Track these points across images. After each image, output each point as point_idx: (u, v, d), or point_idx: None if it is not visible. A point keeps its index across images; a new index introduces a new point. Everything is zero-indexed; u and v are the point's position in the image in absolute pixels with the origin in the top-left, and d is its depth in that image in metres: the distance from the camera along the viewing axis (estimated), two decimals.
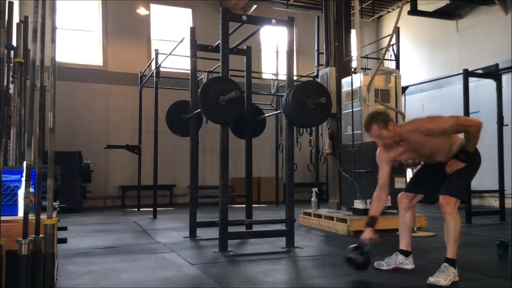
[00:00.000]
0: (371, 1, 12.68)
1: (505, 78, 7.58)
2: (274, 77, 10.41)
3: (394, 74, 6.34)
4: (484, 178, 8.99)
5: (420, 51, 12.27)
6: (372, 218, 3.45)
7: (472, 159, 3.30)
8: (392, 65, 7.67)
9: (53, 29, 2.75)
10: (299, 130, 8.70)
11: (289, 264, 4.00)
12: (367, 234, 3.37)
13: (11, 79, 4.14)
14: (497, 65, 7.78)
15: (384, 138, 3.29)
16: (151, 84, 8.26)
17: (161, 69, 7.87)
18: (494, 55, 9.56)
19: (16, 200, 3.02)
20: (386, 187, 3.49)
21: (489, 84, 7.46)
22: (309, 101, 4.43)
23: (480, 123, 3.15)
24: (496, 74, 7.23)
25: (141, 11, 10.99)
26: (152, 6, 11.56)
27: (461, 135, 3.33)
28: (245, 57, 5.69)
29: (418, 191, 3.60)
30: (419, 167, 3.77)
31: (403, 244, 3.56)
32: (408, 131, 3.26)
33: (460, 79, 7.08)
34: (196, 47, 5.65)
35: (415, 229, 5.45)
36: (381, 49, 9.38)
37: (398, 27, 6.76)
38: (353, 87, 6.19)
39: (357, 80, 6.18)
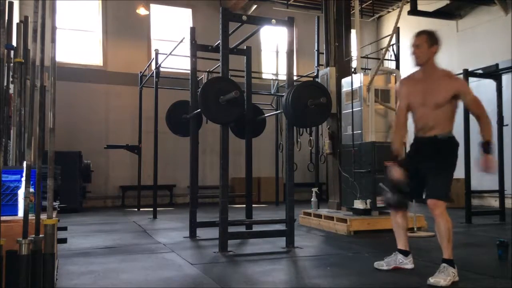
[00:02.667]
0: (371, 1, 12.67)
1: (505, 78, 7.57)
2: (274, 77, 10.41)
3: (394, 74, 6.34)
4: (484, 178, 9.01)
5: None
6: (397, 156, 3.47)
7: (449, 151, 3.32)
8: (392, 65, 7.67)
9: (53, 29, 2.75)
10: (299, 130, 8.70)
11: (289, 264, 4.00)
12: (397, 172, 3.37)
13: (11, 79, 4.14)
14: (497, 65, 7.77)
15: (420, 51, 3.35)
16: (151, 84, 8.26)
17: (161, 69, 7.87)
18: (494, 55, 9.55)
19: (16, 200, 3.02)
20: (404, 127, 3.51)
21: (489, 84, 7.46)
22: (309, 101, 4.43)
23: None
24: (496, 74, 7.23)
25: (141, 11, 10.98)
26: (152, 6, 11.55)
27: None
28: (245, 57, 5.69)
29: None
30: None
31: (401, 244, 3.57)
32: (440, 69, 3.39)
33: None
34: (196, 47, 5.65)
35: (415, 229, 5.46)
36: (381, 49, 9.37)
37: (398, 27, 6.76)
38: (353, 87, 6.19)
39: (357, 80, 6.18)
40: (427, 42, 3.35)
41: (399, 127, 3.55)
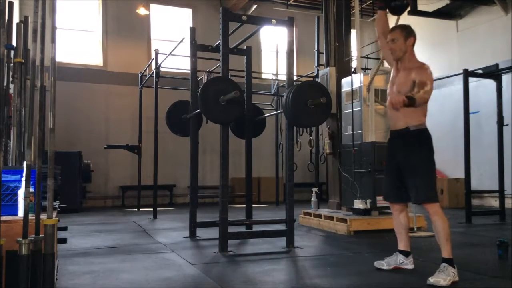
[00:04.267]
0: (371, 1, 12.67)
1: (505, 78, 7.57)
2: (274, 77, 10.42)
3: None
4: (484, 178, 9.03)
5: (420, 51, 12.04)
6: None
7: (420, 144, 3.31)
8: None
9: (53, 29, 2.75)
10: (299, 130, 8.70)
11: (289, 264, 4.00)
12: None
13: (11, 79, 4.14)
14: (497, 65, 7.77)
15: (397, 45, 3.45)
16: (151, 84, 8.26)
17: (161, 69, 7.87)
18: (494, 55, 9.55)
19: (16, 200, 3.02)
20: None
21: (489, 84, 7.46)
22: (309, 101, 4.43)
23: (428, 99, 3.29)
24: (496, 74, 7.23)
25: (141, 11, 10.99)
26: (152, 6, 11.55)
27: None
28: (245, 57, 5.69)
29: (395, 200, 3.54)
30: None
31: (402, 245, 3.57)
32: (416, 61, 3.46)
33: (460, 79, 7.07)
34: (196, 47, 5.65)
35: (415, 229, 5.46)
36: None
37: None
38: (353, 87, 6.19)
39: (357, 80, 6.18)
40: (403, 35, 3.44)
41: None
